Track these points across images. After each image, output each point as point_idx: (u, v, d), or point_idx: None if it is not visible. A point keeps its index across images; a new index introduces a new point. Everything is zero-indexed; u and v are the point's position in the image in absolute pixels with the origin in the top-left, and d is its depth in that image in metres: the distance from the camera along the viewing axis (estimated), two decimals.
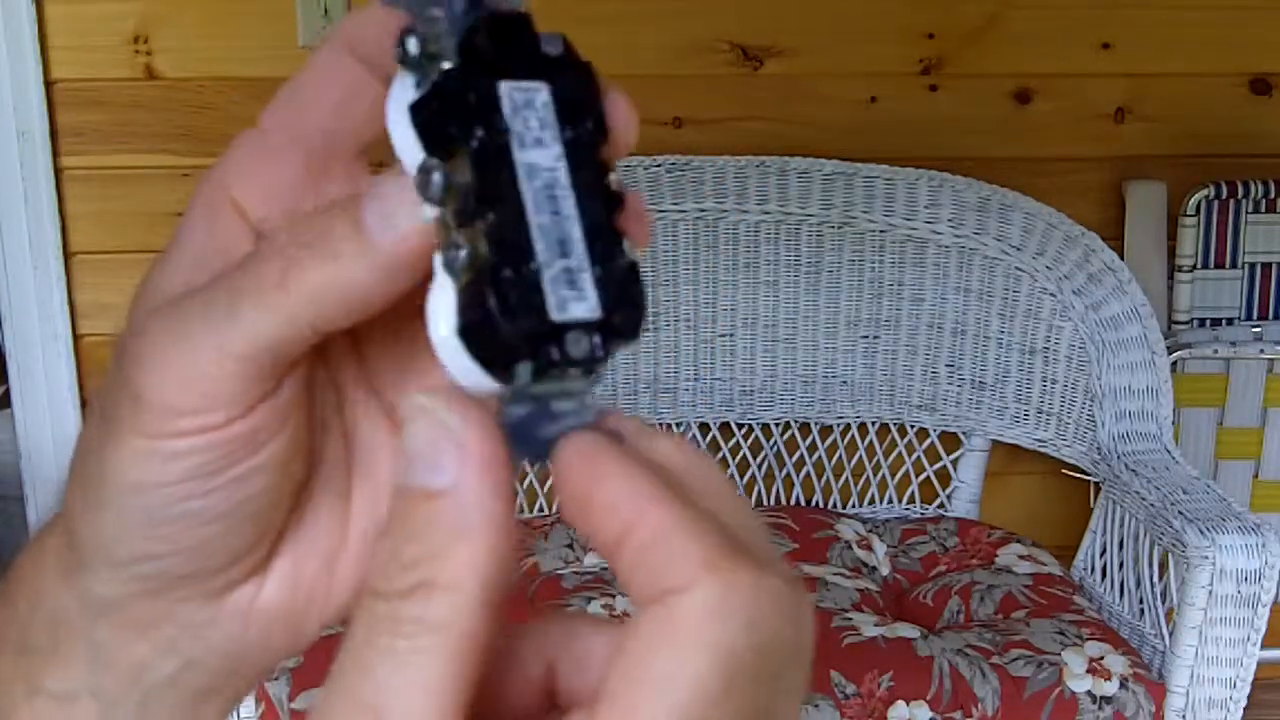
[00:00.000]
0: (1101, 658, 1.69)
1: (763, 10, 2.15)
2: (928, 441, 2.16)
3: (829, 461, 2.19)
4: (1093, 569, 1.96)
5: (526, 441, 0.28)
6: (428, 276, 0.29)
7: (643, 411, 2.11)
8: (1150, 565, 1.79)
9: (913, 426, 2.14)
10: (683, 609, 0.24)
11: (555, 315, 0.27)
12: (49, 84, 2.08)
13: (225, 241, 0.32)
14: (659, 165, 2.05)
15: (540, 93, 0.28)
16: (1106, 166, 2.23)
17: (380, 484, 0.35)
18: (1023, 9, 2.17)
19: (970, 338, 2.09)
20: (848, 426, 2.17)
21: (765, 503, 2.18)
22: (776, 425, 2.15)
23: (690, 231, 2.07)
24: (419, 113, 0.28)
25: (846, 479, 2.20)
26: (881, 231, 2.07)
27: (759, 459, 2.17)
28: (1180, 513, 1.69)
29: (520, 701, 0.28)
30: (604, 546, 0.26)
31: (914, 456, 2.18)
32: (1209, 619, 1.65)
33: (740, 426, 2.16)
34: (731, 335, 2.11)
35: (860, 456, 2.19)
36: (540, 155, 0.28)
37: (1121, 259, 2.03)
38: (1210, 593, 1.63)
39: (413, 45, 0.28)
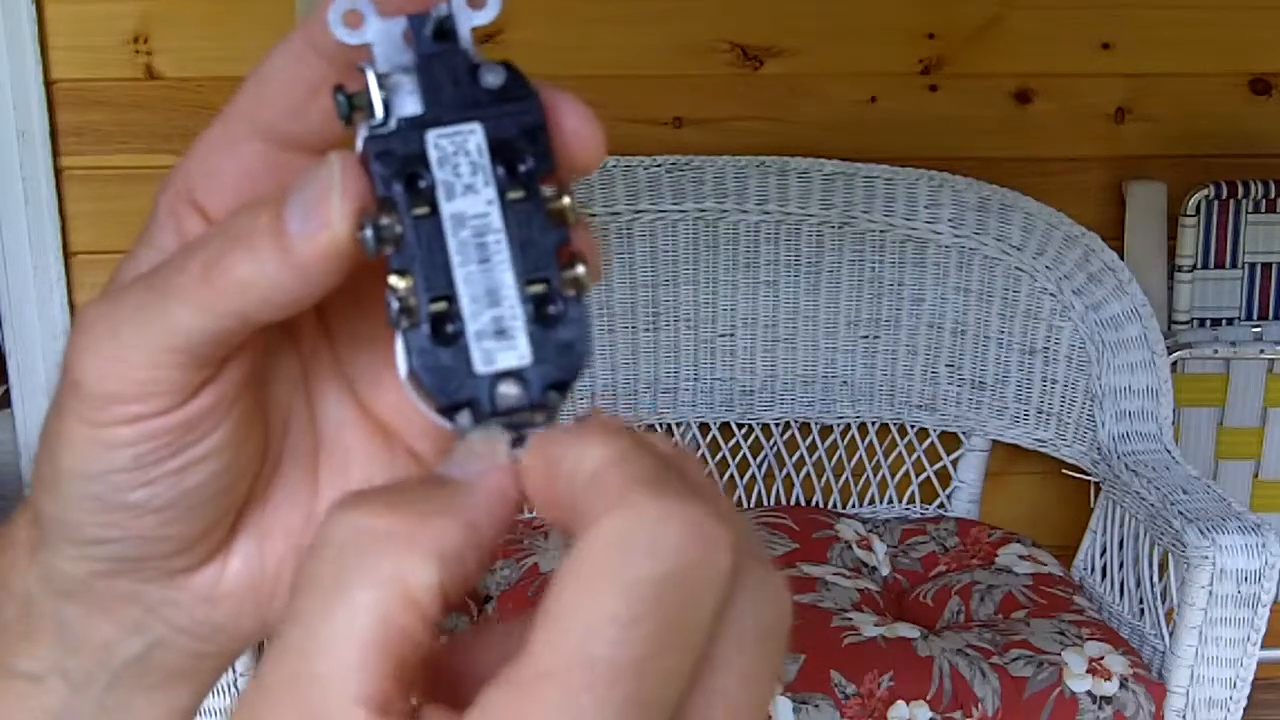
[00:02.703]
0: (1101, 658, 1.69)
1: (763, 10, 2.15)
2: (928, 441, 2.16)
3: (829, 461, 2.19)
4: (1093, 569, 1.96)
5: None
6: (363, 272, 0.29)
7: (643, 411, 2.11)
8: (1150, 565, 1.79)
9: (913, 426, 2.14)
10: (589, 542, 0.24)
11: (480, 369, 0.28)
12: (49, 84, 2.08)
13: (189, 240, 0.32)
14: (659, 165, 2.05)
15: (473, 136, 0.28)
16: (1106, 166, 2.23)
17: (347, 466, 0.35)
18: (1023, 9, 2.17)
19: (970, 338, 2.09)
20: (848, 426, 2.17)
21: (765, 503, 2.18)
22: (776, 425, 2.15)
23: (690, 231, 2.07)
24: (363, 167, 0.28)
25: (846, 479, 2.20)
26: (881, 231, 2.07)
27: (759, 459, 2.17)
28: (1180, 513, 1.69)
29: None
30: (565, 516, 0.26)
31: (914, 456, 2.18)
32: (1209, 619, 1.65)
33: (740, 426, 2.16)
34: (731, 335, 2.11)
35: (860, 456, 2.19)
36: (469, 203, 0.28)
37: (1121, 259, 2.03)
38: (1210, 593, 1.63)
39: (341, 100, 0.29)
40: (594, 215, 2.04)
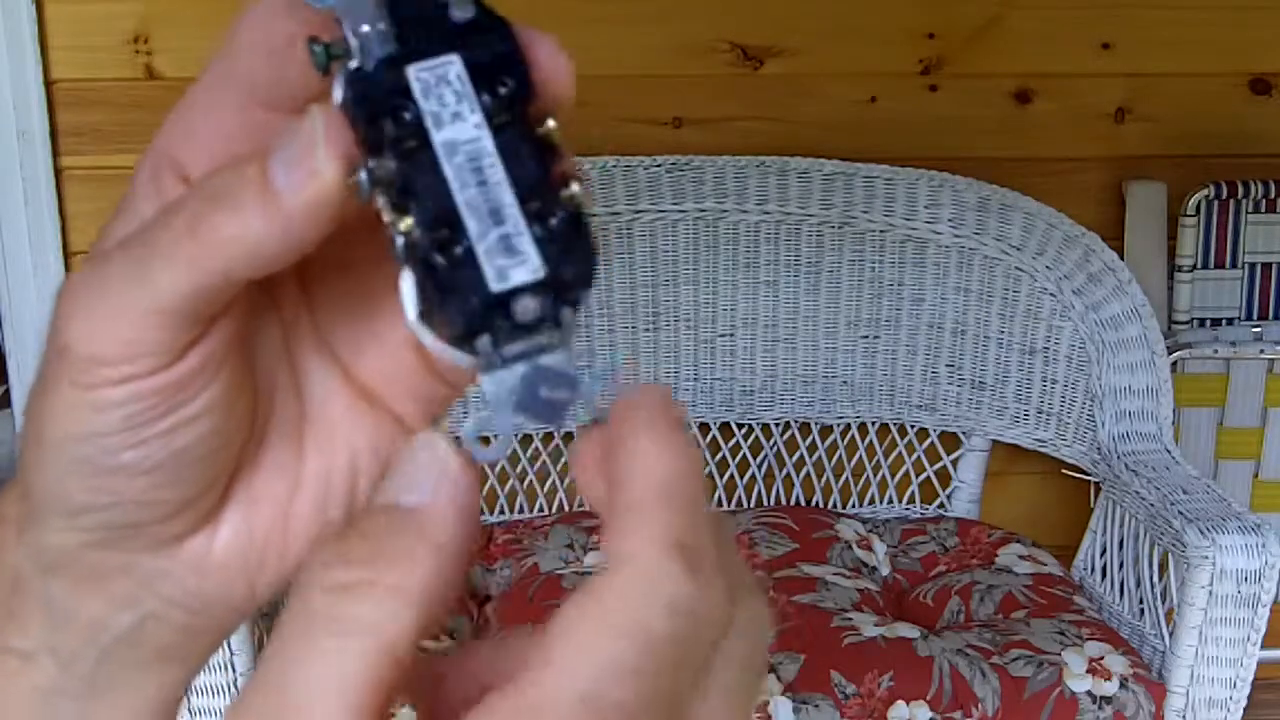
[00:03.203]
0: (1101, 658, 1.69)
1: (763, 10, 2.15)
2: (928, 441, 2.16)
3: (829, 461, 2.19)
4: (1093, 569, 1.96)
5: (530, 406, 0.29)
6: (354, 230, 0.29)
7: None
8: (1150, 565, 1.79)
9: (913, 426, 2.14)
10: (611, 583, 0.25)
11: (495, 286, 0.28)
12: (49, 84, 2.08)
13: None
14: (659, 165, 2.05)
15: (452, 66, 0.28)
16: (1106, 166, 2.23)
17: (332, 435, 0.35)
18: (1023, 9, 2.17)
19: (970, 338, 2.09)
20: (848, 426, 2.17)
21: (765, 503, 2.18)
22: (776, 425, 2.15)
23: (690, 231, 2.07)
24: (345, 116, 0.29)
25: (846, 479, 2.20)
26: (881, 231, 2.07)
27: (759, 459, 2.17)
28: (1180, 513, 1.69)
29: None
30: (598, 502, 0.27)
31: (914, 456, 2.18)
32: (1209, 619, 1.65)
33: (740, 426, 2.16)
34: (731, 335, 2.11)
35: (860, 456, 2.19)
36: (459, 130, 0.28)
37: (1121, 259, 2.03)
38: (1210, 593, 1.63)
39: (317, 50, 0.29)
40: (594, 215, 2.03)
